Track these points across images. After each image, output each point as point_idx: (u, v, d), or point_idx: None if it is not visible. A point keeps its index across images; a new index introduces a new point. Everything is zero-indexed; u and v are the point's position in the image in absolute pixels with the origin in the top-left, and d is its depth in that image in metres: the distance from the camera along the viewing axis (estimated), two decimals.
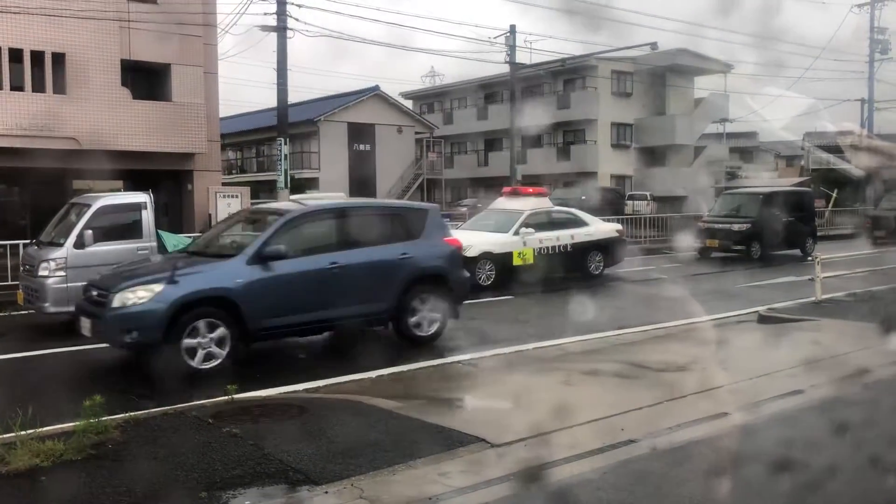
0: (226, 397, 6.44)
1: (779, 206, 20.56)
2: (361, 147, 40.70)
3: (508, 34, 30.83)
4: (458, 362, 8.34)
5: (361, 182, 39.42)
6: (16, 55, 18.77)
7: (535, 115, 40.00)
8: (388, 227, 9.43)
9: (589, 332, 9.97)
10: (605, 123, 41.38)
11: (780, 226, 19.83)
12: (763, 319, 10.62)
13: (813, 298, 11.55)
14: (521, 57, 32.01)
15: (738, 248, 19.56)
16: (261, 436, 5.62)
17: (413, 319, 9.22)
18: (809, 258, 16.84)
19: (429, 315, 9.33)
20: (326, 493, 4.59)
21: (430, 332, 9.35)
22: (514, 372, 8.02)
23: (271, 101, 21.85)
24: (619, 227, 17.55)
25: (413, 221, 9.61)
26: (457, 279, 9.76)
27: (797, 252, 20.21)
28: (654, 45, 27.22)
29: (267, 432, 5.74)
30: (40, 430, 5.52)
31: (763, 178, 36.20)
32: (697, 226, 20.89)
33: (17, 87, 18.87)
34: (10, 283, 13.34)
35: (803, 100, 38.44)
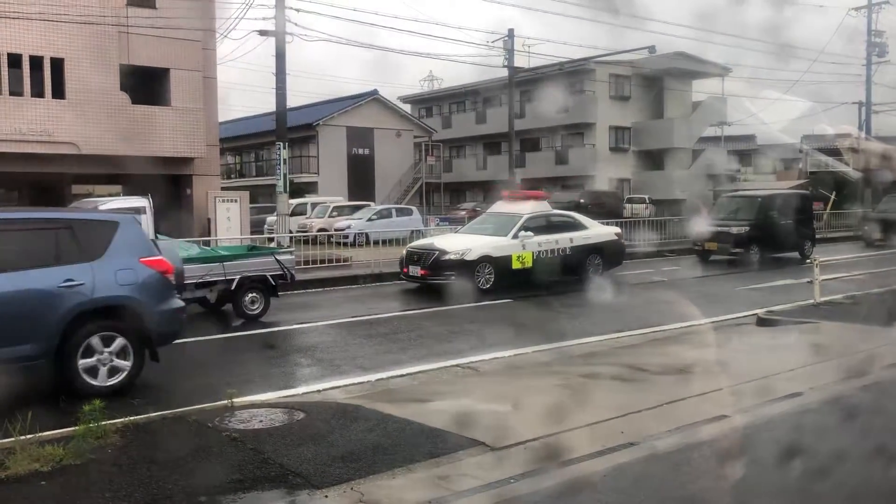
0: (225, 402, 6.45)
1: (777, 209, 20.58)
2: (360, 151, 40.74)
3: (507, 38, 30.89)
4: (454, 367, 8.35)
5: (360, 186, 39.46)
6: (14, 60, 18.81)
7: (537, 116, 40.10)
8: (48, 245, 7.29)
9: (588, 335, 9.99)
10: (603, 127, 41.45)
11: (778, 228, 19.84)
12: (762, 322, 10.64)
13: (811, 301, 11.56)
14: (520, 61, 32.06)
15: (737, 250, 19.56)
16: (260, 440, 5.63)
17: (84, 365, 7.07)
18: (808, 261, 16.84)
19: (108, 360, 7.20)
20: (326, 497, 4.59)
21: (109, 383, 7.17)
22: (514, 375, 8.03)
23: (270, 105, 21.87)
24: (617, 230, 17.57)
25: (91, 238, 7.44)
26: (154, 312, 7.49)
27: (796, 255, 20.21)
28: (651, 49, 27.26)
29: (266, 436, 5.75)
30: (40, 434, 5.53)
31: (761, 181, 36.22)
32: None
33: (15, 92, 18.90)
34: None
35: (801, 103, 38.50)
